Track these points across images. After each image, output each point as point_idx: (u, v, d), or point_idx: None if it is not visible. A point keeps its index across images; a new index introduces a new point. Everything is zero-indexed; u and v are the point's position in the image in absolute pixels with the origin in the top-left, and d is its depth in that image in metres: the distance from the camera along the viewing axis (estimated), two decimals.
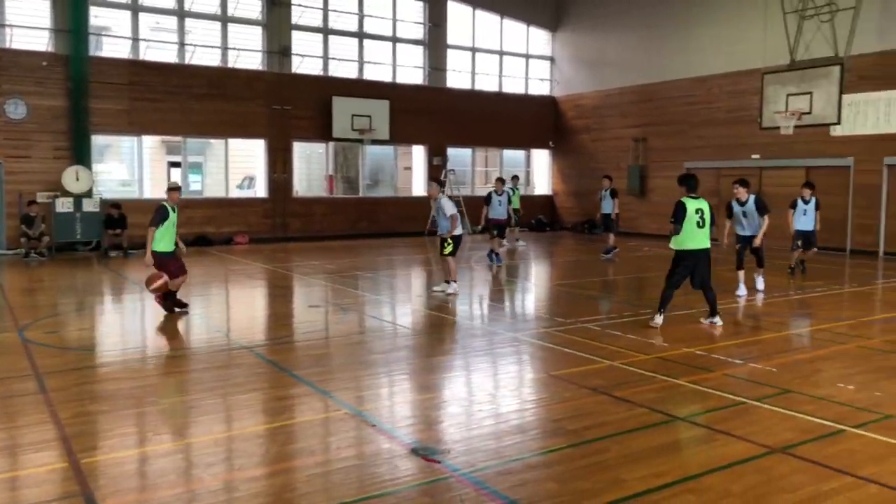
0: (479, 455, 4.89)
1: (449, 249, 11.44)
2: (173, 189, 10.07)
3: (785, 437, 5.09)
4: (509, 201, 16.37)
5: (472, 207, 23.97)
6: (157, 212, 9.63)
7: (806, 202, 13.36)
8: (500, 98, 25.09)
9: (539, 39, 26.10)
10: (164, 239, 9.71)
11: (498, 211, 15.72)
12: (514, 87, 25.72)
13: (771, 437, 5.10)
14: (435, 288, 11.90)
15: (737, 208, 11.22)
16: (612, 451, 4.89)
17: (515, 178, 19.78)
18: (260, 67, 20.95)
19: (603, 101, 24.40)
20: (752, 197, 11.20)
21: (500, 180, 16.52)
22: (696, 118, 21.30)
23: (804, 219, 13.29)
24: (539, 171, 26.83)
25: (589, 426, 5.40)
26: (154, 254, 9.66)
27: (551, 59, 26.37)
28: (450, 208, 11.52)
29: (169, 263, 9.76)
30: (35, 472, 4.61)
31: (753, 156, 19.65)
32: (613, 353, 7.59)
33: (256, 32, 21.05)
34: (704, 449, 4.90)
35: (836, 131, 17.60)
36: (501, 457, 4.85)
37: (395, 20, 23.16)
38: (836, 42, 16.57)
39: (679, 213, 8.59)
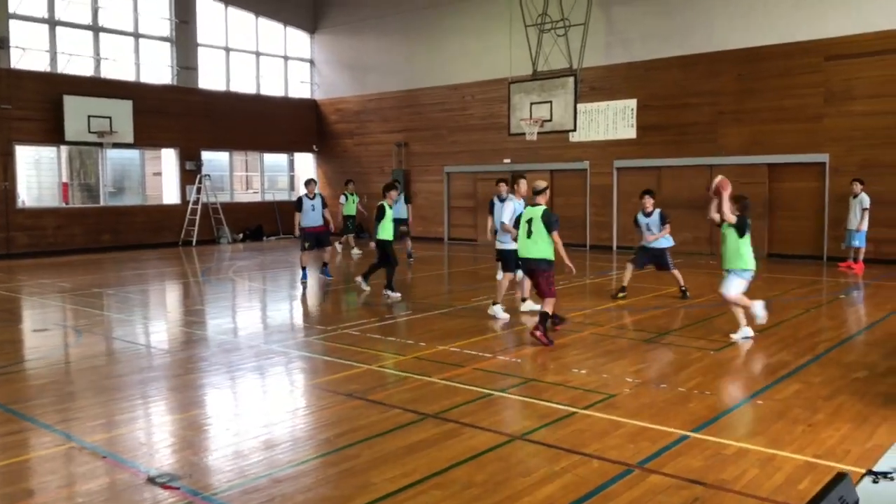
0: (224, 475, 4.61)
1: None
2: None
3: (525, 423, 5.39)
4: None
5: (232, 213, 23.05)
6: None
7: (647, 215, 11.01)
8: (258, 100, 24.33)
9: (297, 41, 25.70)
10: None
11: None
12: (273, 89, 25.08)
13: (512, 425, 5.38)
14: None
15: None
16: (363, 455, 4.85)
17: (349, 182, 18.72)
18: None
19: (365, 105, 24.64)
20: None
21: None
22: (453, 124, 22.26)
23: (648, 235, 11.01)
24: (303, 176, 26.36)
25: (341, 433, 5.32)
26: None
27: (311, 62, 26.11)
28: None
29: None
30: None
31: (505, 160, 20.93)
32: (372, 356, 7.60)
33: None
34: (452, 443, 5.03)
35: (574, 137, 19.30)
36: (248, 475, 4.61)
37: (136, 14, 21.46)
38: (570, 55, 18.19)
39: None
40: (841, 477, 1.86)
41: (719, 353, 7.57)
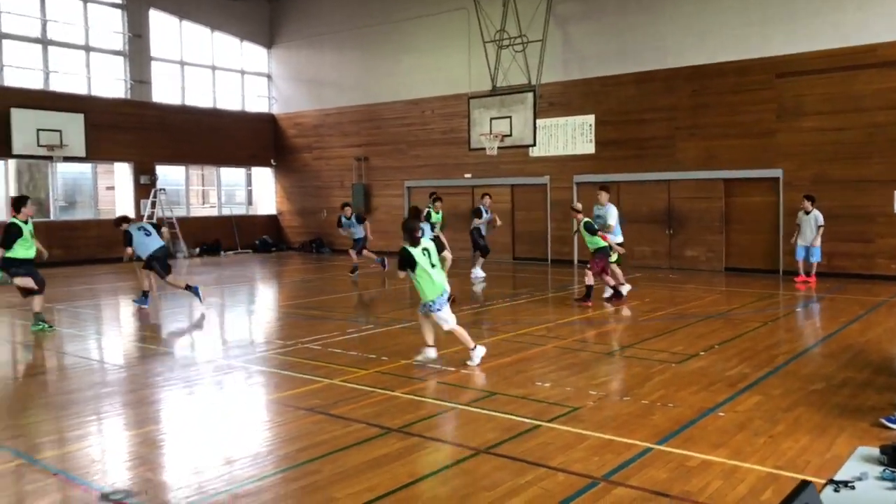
0: (181, 492, 4.47)
1: (616, 257, 12.40)
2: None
3: (489, 437, 5.33)
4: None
5: (188, 227, 22.65)
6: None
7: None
8: (214, 114, 23.99)
9: (254, 55, 25.46)
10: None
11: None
12: (229, 103, 24.77)
13: (476, 438, 5.31)
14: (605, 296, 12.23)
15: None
16: (325, 470, 4.75)
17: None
18: None
19: (323, 119, 24.50)
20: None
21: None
22: (413, 139, 22.25)
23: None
24: (262, 190, 26.12)
25: (303, 448, 5.20)
26: None
27: (268, 76, 25.89)
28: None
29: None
30: None
31: (466, 175, 20.97)
32: (333, 371, 7.48)
33: None
34: (416, 457, 4.95)
35: (534, 152, 19.44)
36: (206, 491, 4.47)
37: (87, 28, 21.02)
38: (528, 71, 18.36)
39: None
40: (805, 484, 1.88)
41: (681, 365, 7.63)
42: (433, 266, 7.62)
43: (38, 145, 18.89)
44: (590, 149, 18.86)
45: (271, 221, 25.91)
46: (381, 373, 7.39)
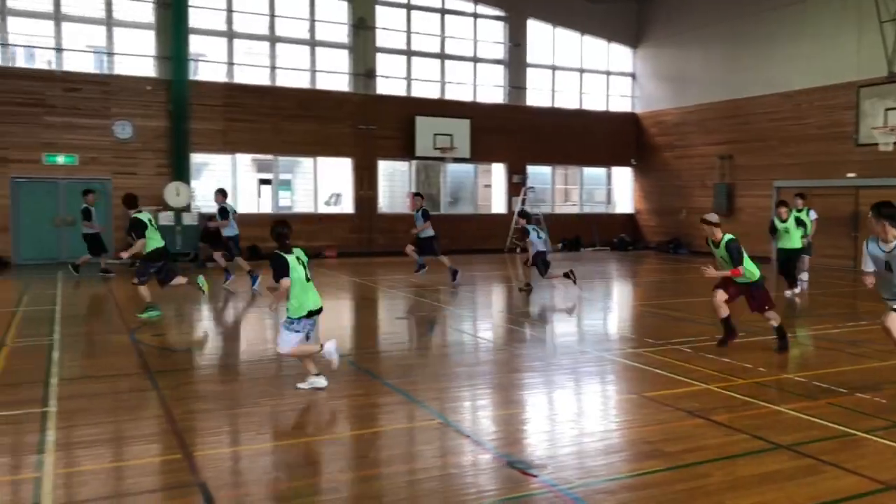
0: (574, 472, 4.89)
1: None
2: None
3: None
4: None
5: (551, 224, 23.87)
6: None
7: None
8: (580, 115, 24.98)
9: (620, 55, 25.89)
10: None
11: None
12: (594, 103, 25.56)
13: (885, 472, 4.87)
14: None
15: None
16: (715, 476, 4.79)
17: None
18: (346, 89, 21.58)
19: (685, 117, 23.95)
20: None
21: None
22: (785, 135, 20.64)
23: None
24: (620, 190, 26.52)
25: (687, 450, 5.30)
26: None
27: (632, 76, 26.09)
28: None
29: None
30: (152, 462, 5.08)
31: (849, 174, 18.85)
32: (708, 376, 7.42)
33: (343, 55, 21.73)
34: (812, 480, 4.73)
35: None
36: (597, 475, 4.83)
37: (475, 41, 23.50)
38: None
39: None
40: None
41: None
42: (308, 280, 6.78)
43: (434, 148, 21.76)
44: None
45: (629, 220, 26.15)
46: (760, 384, 7.13)
